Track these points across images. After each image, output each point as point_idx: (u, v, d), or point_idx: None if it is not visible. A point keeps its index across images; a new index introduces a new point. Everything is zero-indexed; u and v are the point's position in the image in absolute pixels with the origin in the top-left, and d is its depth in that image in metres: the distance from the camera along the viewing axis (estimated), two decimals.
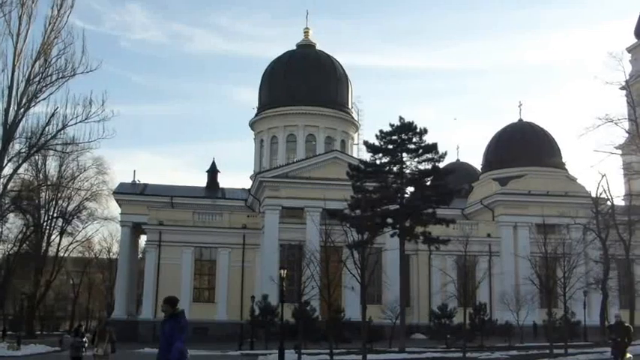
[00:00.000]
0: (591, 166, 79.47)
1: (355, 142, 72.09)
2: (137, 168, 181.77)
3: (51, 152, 52.41)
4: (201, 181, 68.44)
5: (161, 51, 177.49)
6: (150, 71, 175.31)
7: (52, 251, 72.90)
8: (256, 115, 72.13)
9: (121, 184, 63.99)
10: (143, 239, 62.93)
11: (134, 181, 64.09)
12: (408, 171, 42.87)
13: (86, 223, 74.79)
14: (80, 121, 29.72)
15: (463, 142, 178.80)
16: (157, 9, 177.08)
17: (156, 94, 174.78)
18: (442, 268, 52.91)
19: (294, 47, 74.33)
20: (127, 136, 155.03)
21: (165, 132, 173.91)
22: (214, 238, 55.41)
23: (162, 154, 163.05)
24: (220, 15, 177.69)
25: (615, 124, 46.87)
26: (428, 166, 42.50)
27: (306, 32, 75.04)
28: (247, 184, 65.74)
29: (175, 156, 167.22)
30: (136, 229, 60.92)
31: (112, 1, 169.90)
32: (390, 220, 42.30)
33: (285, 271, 36.38)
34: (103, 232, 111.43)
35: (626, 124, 49.08)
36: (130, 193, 61.49)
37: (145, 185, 63.77)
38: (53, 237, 72.23)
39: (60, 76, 30.55)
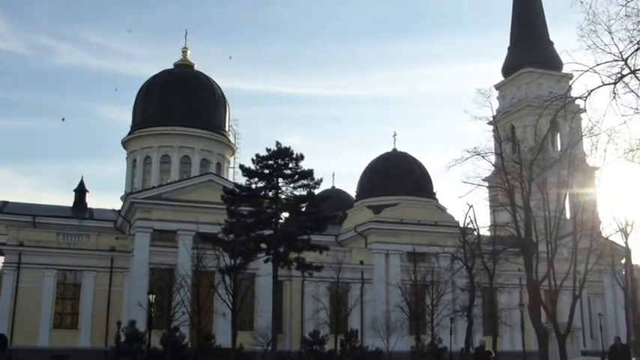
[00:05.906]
0: (460, 197, 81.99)
1: (231, 165, 71.31)
2: None
3: None
4: (68, 201, 65.40)
5: (21, 62, 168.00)
6: (9, 83, 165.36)
7: None
8: (129, 133, 69.88)
9: None
10: (0, 260, 59.09)
11: None
12: (283, 196, 42.78)
13: None
14: None
15: (339, 169, 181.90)
16: (17, 18, 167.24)
17: (17, 109, 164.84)
18: (315, 295, 52.98)
19: (172, 67, 72.95)
20: None
21: (27, 149, 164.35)
22: (80, 261, 52.73)
23: (24, 173, 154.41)
24: (89, 30, 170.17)
25: (482, 157, 48.75)
26: (303, 192, 42.59)
27: (184, 52, 73.70)
28: (118, 205, 63.44)
29: (40, 174, 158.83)
30: None
31: None
32: (263, 246, 41.93)
33: (155, 296, 35.38)
34: None
35: (492, 158, 51.21)
36: None
37: (5, 203, 60.09)
38: None
39: None
